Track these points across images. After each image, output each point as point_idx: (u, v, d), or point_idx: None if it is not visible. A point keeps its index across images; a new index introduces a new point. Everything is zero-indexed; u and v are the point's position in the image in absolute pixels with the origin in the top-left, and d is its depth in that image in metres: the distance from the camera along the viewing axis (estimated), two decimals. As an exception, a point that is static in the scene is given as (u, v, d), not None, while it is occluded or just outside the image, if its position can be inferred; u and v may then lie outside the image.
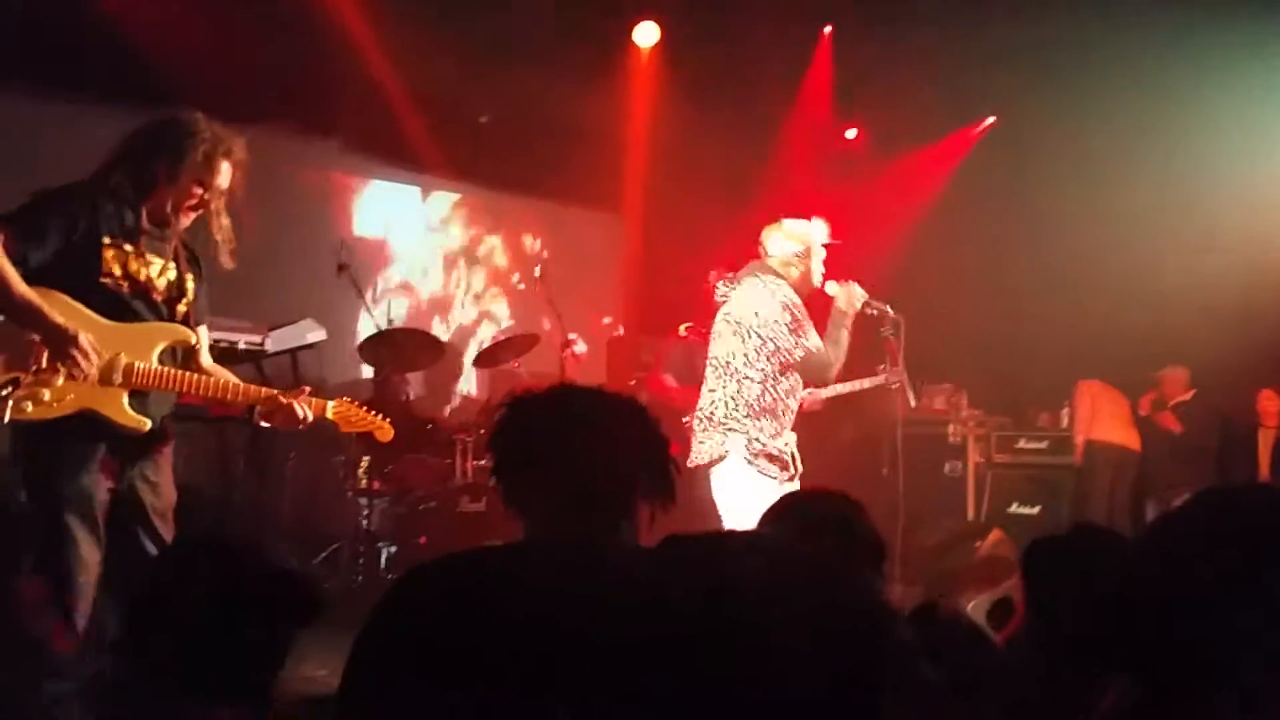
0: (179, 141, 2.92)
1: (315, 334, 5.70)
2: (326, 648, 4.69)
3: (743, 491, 3.79)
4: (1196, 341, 7.04)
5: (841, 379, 4.47)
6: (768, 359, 3.88)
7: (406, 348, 6.15)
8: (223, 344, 4.82)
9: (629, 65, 7.48)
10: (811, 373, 3.96)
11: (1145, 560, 1.13)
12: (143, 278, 2.90)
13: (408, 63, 6.74)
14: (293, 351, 5.59)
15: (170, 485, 3.01)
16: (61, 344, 2.71)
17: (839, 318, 4.00)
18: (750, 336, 3.90)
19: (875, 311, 4.21)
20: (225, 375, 3.09)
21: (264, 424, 3.11)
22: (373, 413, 3.31)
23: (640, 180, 8.09)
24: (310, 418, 3.09)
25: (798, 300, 3.95)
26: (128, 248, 2.87)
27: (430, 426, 6.15)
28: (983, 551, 7.25)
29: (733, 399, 3.90)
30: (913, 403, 4.61)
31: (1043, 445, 7.80)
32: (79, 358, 2.72)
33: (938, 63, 6.92)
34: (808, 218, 4.21)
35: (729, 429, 3.87)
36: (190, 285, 3.05)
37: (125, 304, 2.87)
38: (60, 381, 2.74)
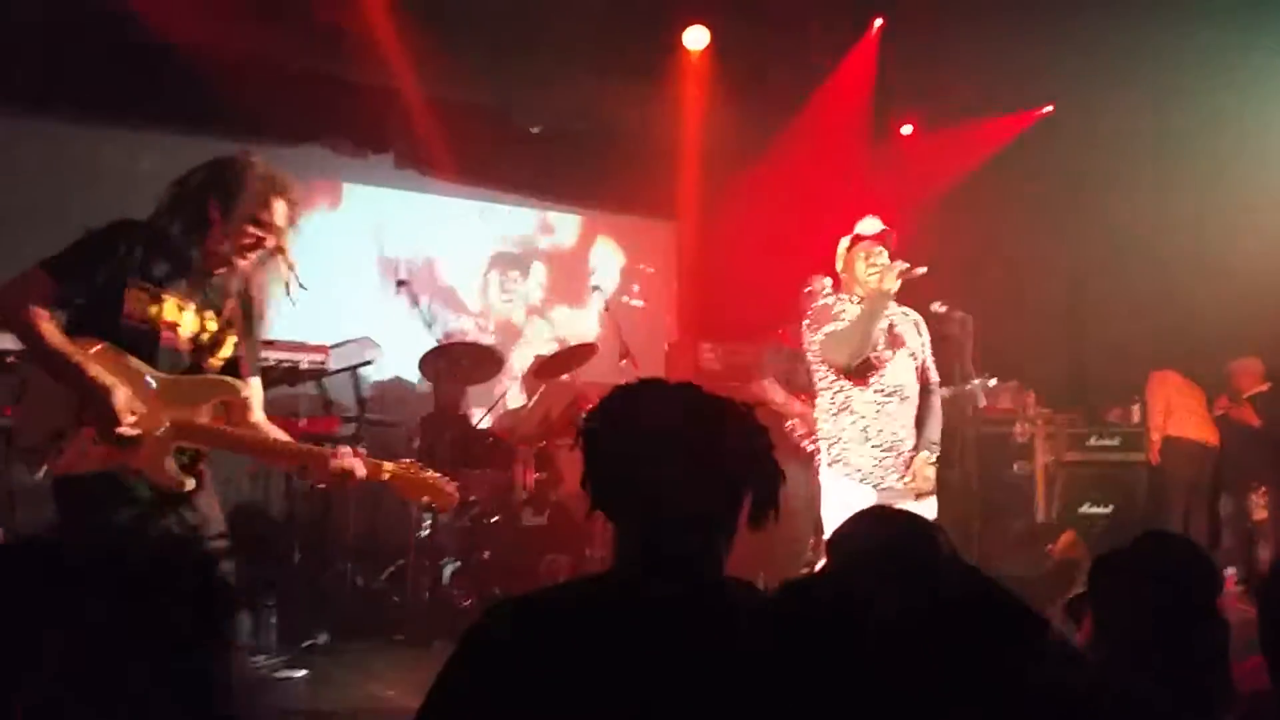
0: (230, 180, 2.85)
1: (373, 351, 5.74)
2: (394, 666, 4.73)
3: (829, 496, 3.99)
4: (1271, 330, 6.80)
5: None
6: (818, 365, 4.08)
7: (465, 362, 6.15)
8: (285, 364, 4.85)
9: (680, 71, 7.44)
10: (830, 356, 4.00)
11: None
12: (166, 322, 2.80)
13: (459, 76, 6.78)
14: (353, 369, 5.62)
15: (213, 505, 2.90)
16: (95, 403, 2.62)
17: (872, 297, 3.94)
18: (807, 355, 4.16)
19: (943, 309, 4.19)
20: (274, 433, 2.98)
21: (314, 484, 2.95)
22: (434, 475, 3.03)
23: (695, 185, 8.04)
24: (362, 474, 2.87)
25: (821, 305, 4.14)
26: (154, 291, 2.78)
27: (491, 440, 6.15)
28: (1056, 555, 7.10)
29: (821, 412, 4.11)
30: (981, 403, 4.54)
31: (1114, 442, 7.59)
32: (110, 420, 2.62)
33: (994, 51, 6.78)
34: (855, 219, 4.28)
35: (819, 439, 4.11)
36: (230, 339, 2.94)
37: (148, 348, 2.77)
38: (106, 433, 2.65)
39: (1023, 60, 6.89)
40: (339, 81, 6.59)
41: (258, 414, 2.97)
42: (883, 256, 4.04)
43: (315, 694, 4.20)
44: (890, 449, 3.95)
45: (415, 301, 6.06)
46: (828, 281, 4.71)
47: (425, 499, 3.07)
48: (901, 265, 3.94)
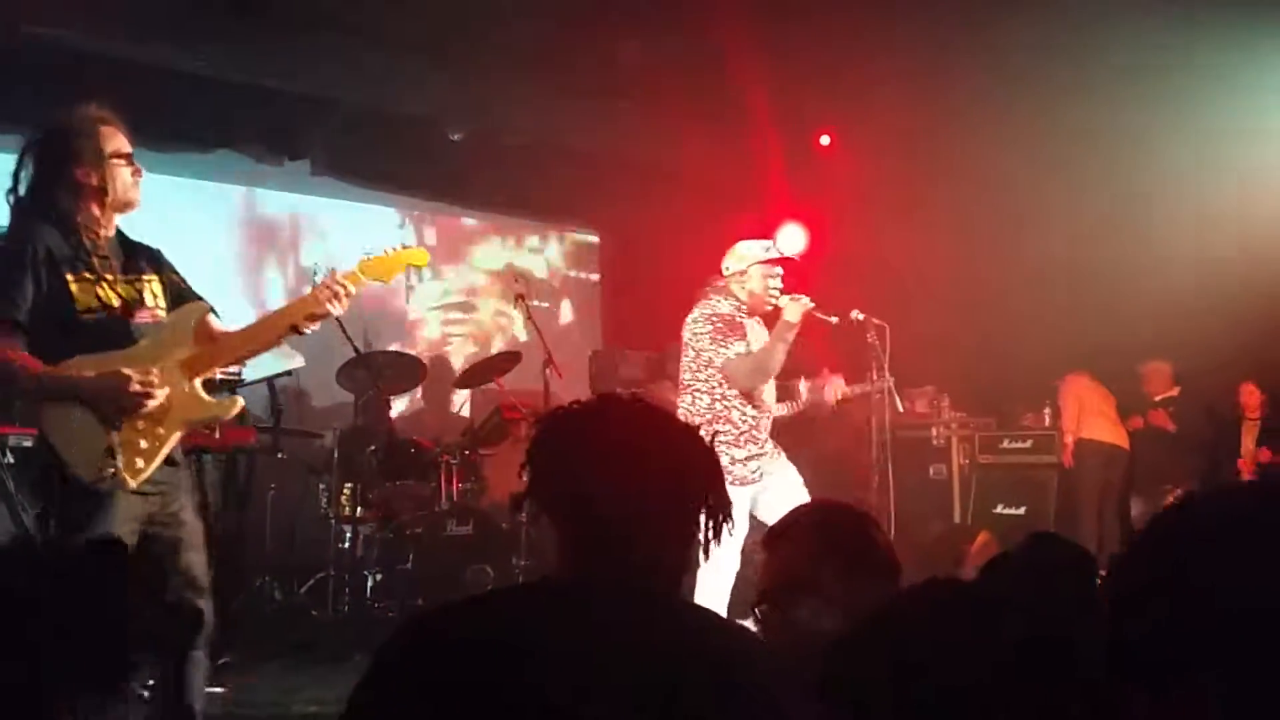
0: (78, 140, 2.82)
1: (293, 360, 5.62)
2: (314, 681, 4.66)
3: None
4: (1179, 335, 7.04)
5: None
6: (704, 368, 4.11)
7: (387, 371, 6.08)
8: (200, 373, 4.74)
9: (605, 83, 7.45)
10: (734, 379, 4.09)
11: (1136, 566, 1.10)
12: (117, 302, 2.81)
13: (378, 82, 6.70)
14: (269, 380, 5.51)
15: (193, 514, 2.92)
16: (116, 397, 2.64)
17: (782, 329, 4.09)
18: (688, 351, 4.18)
19: (835, 319, 4.27)
20: (252, 323, 3.02)
21: (310, 328, 2.97)
22: (395, 247, 3.15)
23: (619, 196, 8.06)
24: (352, 291, 2.96)
25: (726, 312, 4.14)
26: (89, 275, 2.77)
27: (414, 450, 6.08)
28: (971, 555, 7.26)
29: (687, 411, 4.12)
30: (899, 408, 4.65)
31: (1026, 445, 7.80)
32: (143, 394, 2.66)
33: (909, 61, 6.92)
34: (775, 229, 4.39)
35: None
36: (158, 285, 2.94)
37: (111, 327, 2.77)
38: (142, 424, 2.68)
39: (937, 69, 7.05)
40: (253, 86, 6.47)
41: (220, 324, 2.99)
42: (779, 279, 4.20)
43: (232, 711, 4.11)
44: (755, 456, 4.12)
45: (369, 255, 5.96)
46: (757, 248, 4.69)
47: (404, 267, 3.15)
48: (808, 303, 4.08)
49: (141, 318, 2.85)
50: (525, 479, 1.47)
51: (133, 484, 2.63)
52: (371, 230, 7.90)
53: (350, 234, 7.75)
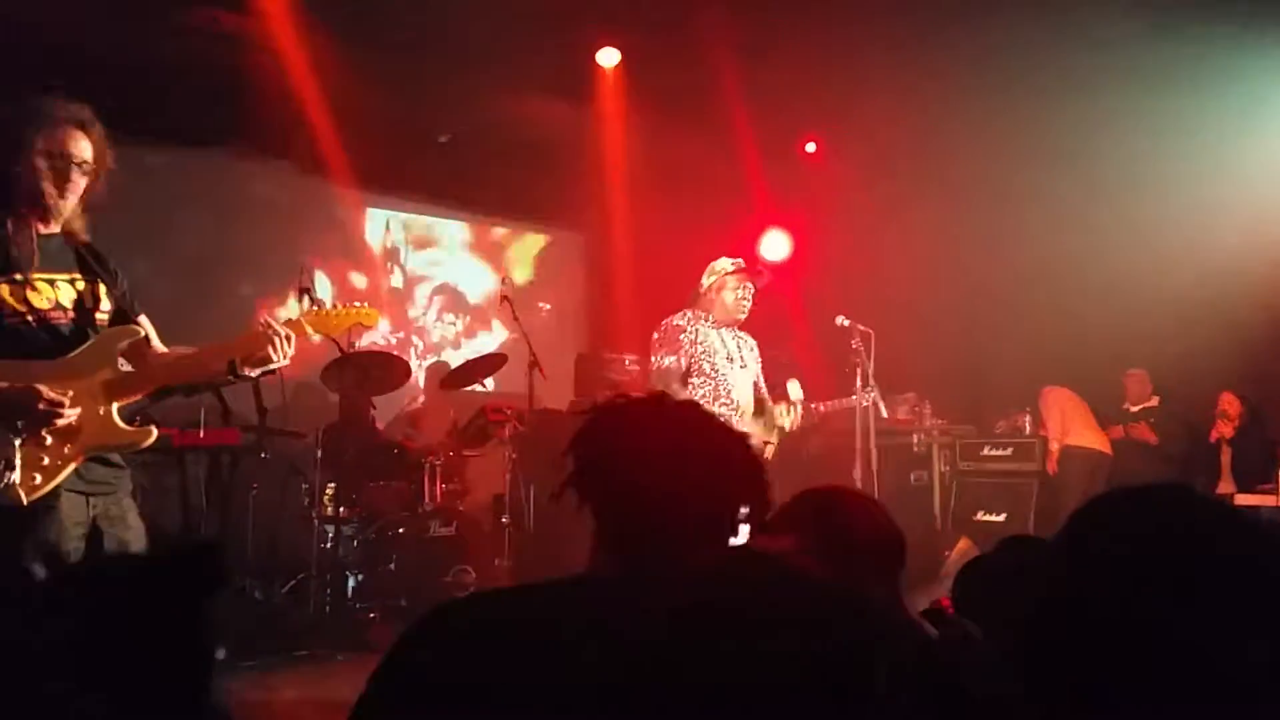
0: (22, 128, 2.68)
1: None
2: (295, 681, 4.65)
3: None
4: (1158, 345, 7.11)
5: (822, 399, 4.77)
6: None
7: (371, 371, 6.06)
8: (182, 374, 4.72)
9: (592, 84, 7.47)
10: (655, 384, 4.33)
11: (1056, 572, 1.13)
12: (48, 305, 2.69)
13: (366, 83, 6.69)
14: (254, 379, 5.48)
15: (135, 516, 2.82)
16: (22, 411, 2.56)
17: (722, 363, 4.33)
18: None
19: (846, 323, 4.37)
20: (187, 350, 2.88)
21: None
22: (346, 305, 3.07)
23: (606, 199, 8.08)
24: (293, 338, 2.85)
25: (677, 323, 4.36)
26: (18, 278, 2.66)
27: (396, 451, 6.07)
28: (951, 562, 7.31)
29: None
30: (884, 415, 4.69)
31: (1007, 452, 7.86)
32: (51, 412, 2.58)
33: (891, 70, 6.96)
34: (760, 234, 4.50)
35: None
36: (103, 290, 2.82)
37: (40, 336, 2.67)
38: (50, 440, 2.60)
39: (923, 76, 7.09)
40: (241, 87, 6.45)
41: (159, 346, 2.88)
42: (749, 292, 4.39)
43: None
44: None
45: (318, 308, 5.95)
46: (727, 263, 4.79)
47: (351, 326, 3.09)
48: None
49: (78, 320, 2.75)
50: (568, 469, 1.46)
51: (26, 500, 2.54)
52: (356, 228, 7.90)
53: (337, 232, 7.75)
